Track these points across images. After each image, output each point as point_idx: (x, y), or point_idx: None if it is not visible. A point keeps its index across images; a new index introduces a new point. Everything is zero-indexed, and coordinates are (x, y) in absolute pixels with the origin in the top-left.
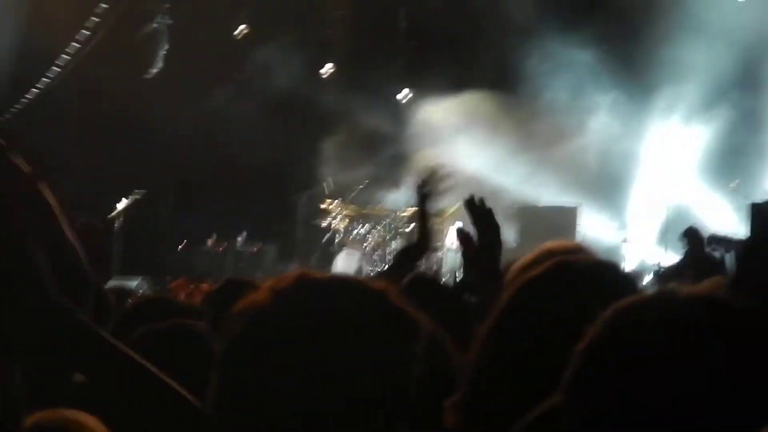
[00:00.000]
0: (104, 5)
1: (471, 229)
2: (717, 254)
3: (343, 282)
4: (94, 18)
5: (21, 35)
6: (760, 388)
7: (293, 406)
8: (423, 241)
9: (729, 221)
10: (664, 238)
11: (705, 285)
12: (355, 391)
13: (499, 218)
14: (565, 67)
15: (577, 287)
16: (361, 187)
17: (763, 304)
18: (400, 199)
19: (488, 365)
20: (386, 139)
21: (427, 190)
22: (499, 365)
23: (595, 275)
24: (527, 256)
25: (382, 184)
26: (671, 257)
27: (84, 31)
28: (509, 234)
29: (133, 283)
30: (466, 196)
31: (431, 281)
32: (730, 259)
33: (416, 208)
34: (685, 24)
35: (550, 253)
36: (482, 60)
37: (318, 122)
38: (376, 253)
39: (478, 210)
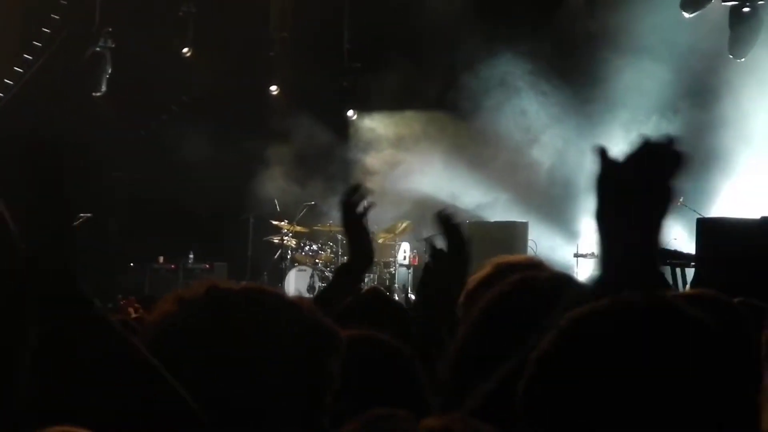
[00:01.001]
0: (46, 30)
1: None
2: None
3: (255, 292)
4: (36, 43)
5: None
6: (711, 397)
7: (208, 410)
8: (355, 256)
9: (676, 235)
10: None
11: (658, 296)
12: (262, 400)
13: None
14: (512, 87)
15: (541, 301)
16: (311, 203)
17: (714, 316)
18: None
19: (462, 385)
20: (333, 159)
21: (352, 206)
22: (471, 383)
23: (556, 289)
24: (481, 270)
25: (330, 201)
26: None
27: (26, 56)
28: None
29: None
30: (440, 210)
31: (384, 297)
32: (679, 272)
33: (343, 224)
34: (631, 44)
35: (502, 266)
36: (428, 80)
37: (264, 142)
38: (328, 269)
39: (449, 224)
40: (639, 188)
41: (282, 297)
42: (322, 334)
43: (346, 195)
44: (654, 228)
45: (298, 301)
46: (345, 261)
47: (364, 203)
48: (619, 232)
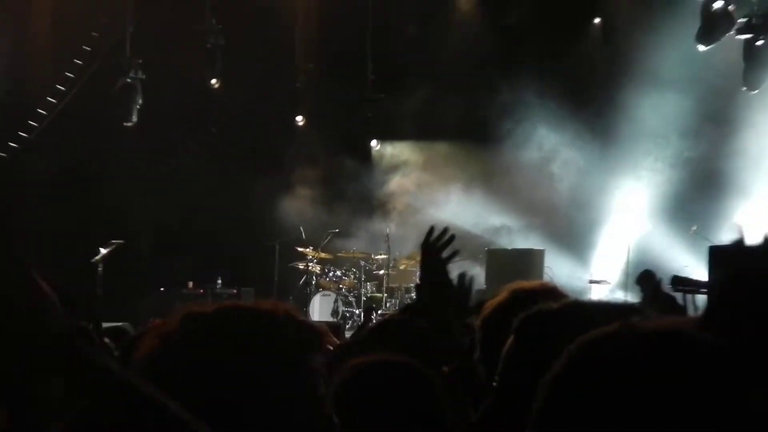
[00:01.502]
0: (78, 61)
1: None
2: (678, 294)
3: (227, 309)
4: (68, 74)
5: (10, 71)
6: (719, 422)
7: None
8: (438, 309)
9: (689, 262)
10: (626, 280)
11: (669, 321)
12: (262, 404)
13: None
14: (531, 120)
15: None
16: (335, 230)
17: (732, 342)
18: (372, 245)
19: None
20: (357, 186)
21: (436, 251)
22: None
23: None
24: (498, 296)
25: (353, 230)
26: (634, 297)
27: (59, 87)
28: (480, 275)
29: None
30: (465, 278)
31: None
32: (691, 299)
33: (426, 271)
34: (647, 76)
35: (517, 292)
36: (449, 109)
37: (290, 171)
38: (351, 294)
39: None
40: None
41: (255, 307)
42: (302, 331)
43: (429, 237)
44: None
45: (273, 306)
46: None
47: (448, 249)
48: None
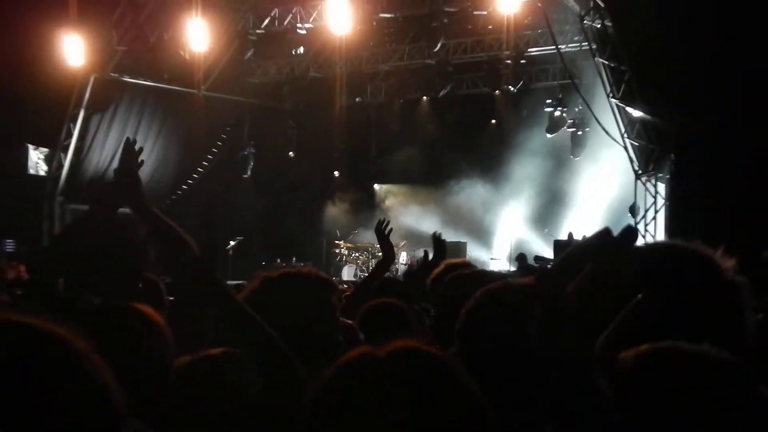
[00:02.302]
0: (219, 142)
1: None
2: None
3: (294, 273)
4: (214, 149)
5: (181, 151)
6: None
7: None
8: (386, 259)
9: (544, 249)
10: (509, 258)
11: (525, 280)
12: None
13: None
14: (462, 172)
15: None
16: (356, 231)
17: (551, 292)
18: (375, 238)
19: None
20: (367, 207)
21: (382, 231)
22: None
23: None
24: (439, 267)
25: (365, 231)
26: (513, 267)
27: (209, 156)
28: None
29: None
30: (436, 234)
31: (395, 280)
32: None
33: (378, 239)
34: (522, 150)
35: (449, 264)
36: (419, 167)
37: (331, 200)
38: (365, 266)
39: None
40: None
41: (304, 270)
42: (326, 282)
43: (378, 224)
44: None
45: (312, 270)
46: (378, 260)
47: (388, 228)
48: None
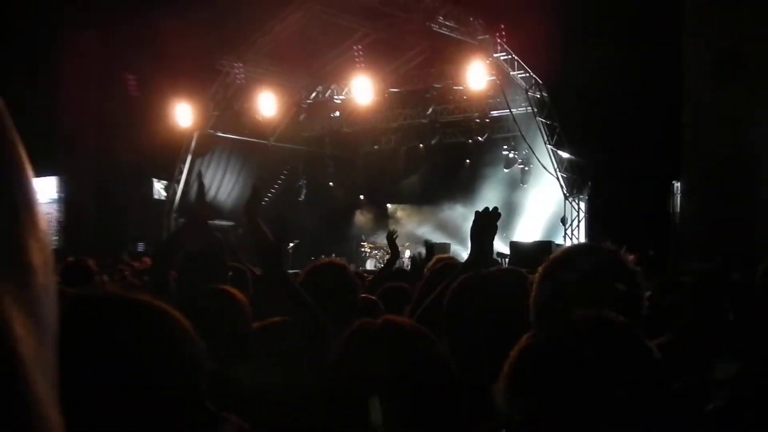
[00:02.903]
0: (282, 176)
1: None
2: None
3: (327, 263)
4: (281, 176)
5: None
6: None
7: None
8: (393, 256)
9: (503, 248)
10: None
11: (495, 270)
12: None
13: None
14: (447, 195)
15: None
16: (375, 236)
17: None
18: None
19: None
20: (382, 220)
21: (391, 237)
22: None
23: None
24: (432, 261)
25: (381, 235)
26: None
27: (272, 189)
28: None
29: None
30: (428, 242)
31: (403, 270)
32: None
33: (388, 243)
34: (487, 179)
35: (439, 258)
36: (418, 193)
37: (357, 221)
38: (382, 260)
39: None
40: (484, 229)
41: (334, 261)
42: (347, 270)
43: (388, 233)
44: (489, 244)
45: (333, 260)
46: (388, 257)
47: (395, 235)
48: (480, 245)
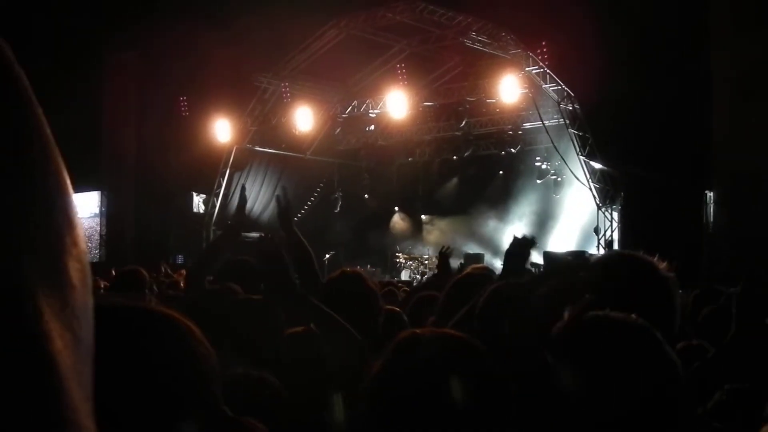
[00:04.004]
0: (318, 189)
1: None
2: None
3: (353, 272)
4: (318, 189)
5: (292, 195)
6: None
7: None
8: (441, 273)
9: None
10: None
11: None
12: None
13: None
14: (481, 206)
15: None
16: (410, 247)
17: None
18: (424, 252)
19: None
20: (416, 232)
21: (444, 253)
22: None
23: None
24: (466, 269)
25: (416, 246)
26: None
27: (314, 195)
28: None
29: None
30: (461, 262)
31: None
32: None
33: (439, 259)
34: (520, 191)
35: (473, 268)
36: (452, 205)
37: (392, 230)
38: (416, 270)
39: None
40: (518, 255)
41: (356, 271)
42: (370, 282)
43: (442, 248)
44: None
45: (359, 270)
46: (435, 273)
47: (449, 250)
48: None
